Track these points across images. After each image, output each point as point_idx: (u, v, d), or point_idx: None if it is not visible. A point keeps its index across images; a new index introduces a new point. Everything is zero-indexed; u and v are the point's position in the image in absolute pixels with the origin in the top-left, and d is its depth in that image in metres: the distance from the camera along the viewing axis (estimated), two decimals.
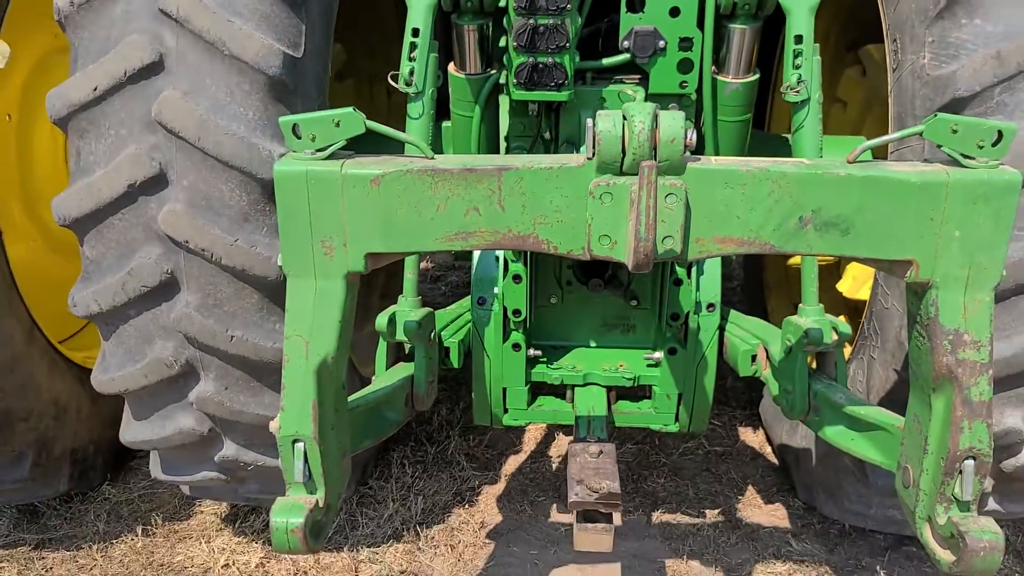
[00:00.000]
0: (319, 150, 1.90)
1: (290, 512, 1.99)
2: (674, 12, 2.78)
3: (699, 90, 2.92)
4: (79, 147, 2.53)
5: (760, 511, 3.77)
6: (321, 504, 2.06)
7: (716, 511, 3.74)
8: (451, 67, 2.99)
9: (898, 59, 2.71)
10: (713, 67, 2.92)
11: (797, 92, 2.60)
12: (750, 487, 3.93)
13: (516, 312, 3.05)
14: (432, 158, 1.96)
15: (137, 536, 3.54)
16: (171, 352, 2.65)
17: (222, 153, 2.42)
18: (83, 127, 2.51)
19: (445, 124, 3.27)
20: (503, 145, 3.23)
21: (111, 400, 3.12)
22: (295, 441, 2.01)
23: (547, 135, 3.03)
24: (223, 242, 2.49)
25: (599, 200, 1.87)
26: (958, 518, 1.97)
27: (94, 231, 2.58)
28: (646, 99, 2.92)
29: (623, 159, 1.83)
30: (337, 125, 1.89)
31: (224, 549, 3.47)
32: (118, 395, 2.85)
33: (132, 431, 2.90)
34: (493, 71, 2.95)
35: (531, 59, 2.71)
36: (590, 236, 1.91)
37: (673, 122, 1.81)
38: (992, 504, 2.91)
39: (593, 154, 1.85)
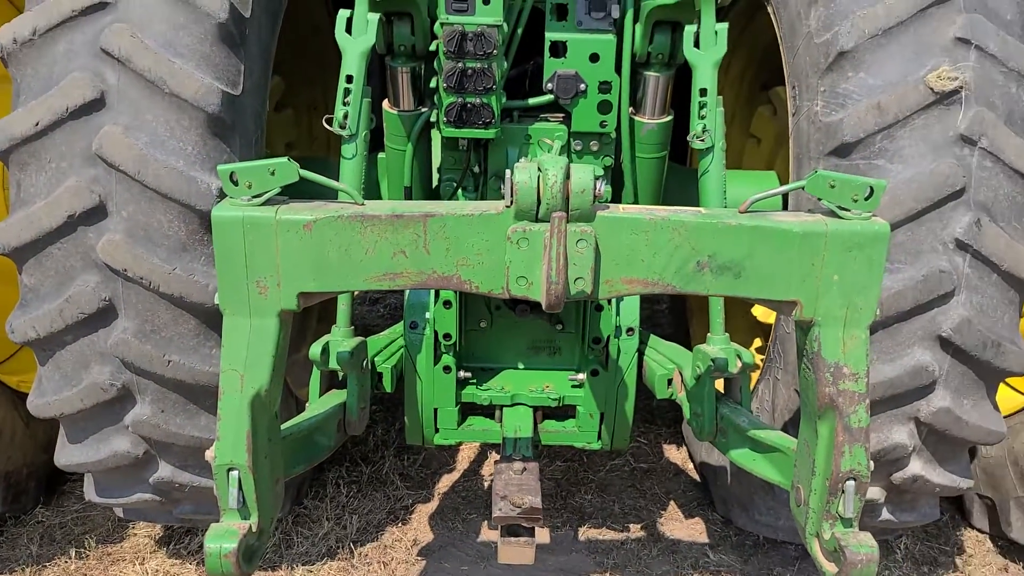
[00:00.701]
0: (255, 196, 2.03)
1: (223, 538, 2.10)
2: (594, 58, 2.98)
3: (618, 129, 3.13)
4: (20, 179, 2.61)
5: (681, 525, 3.97)
6: (254, 529, 2.17)
7: (640, 525, 3.93)
8: (385, 103, 3.15)
9: (796, 104, 2.95)
10: (631, 108, 3.14)
11: (702, 140, 2.81)
12: (672, 502, 4.12)
13: (447, 336, 3.20)
14: (362, 204, 2.10)
15: (70, 559, 3.56)
16: (108, 376, 2.72)
17: (161, 186, 2.53)
18: (24, 160, 2.59)
19: (380, 155, 3.42)
20: (435, 176, 3.40)
21: (44, 424, 3.17)
22: (230, 469, 2.12)
23: (476, 169, 3.20)
24: (161, 270, 2.58)
25: (516, 245, 2.04)
26: (840, 534, 2.17)
27: (33, 260, 2.64)
28: (568, 137, 3.13)
29: (538, 208, 2.01)
30: (272, 174, 2.02)
31: (158, 571, 3.52)
32: (53, 419, 2.91)
33: (67, 454, 2.95)
34: (425, 109, 3.11)
35: (460, 99, 2.88)
36: (508, 277, 2.07)
37: (583, 175, 2.00)
38: (886, 514, 3.14)
39: (511, 202, 2.02)
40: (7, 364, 3.69)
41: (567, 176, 2.00)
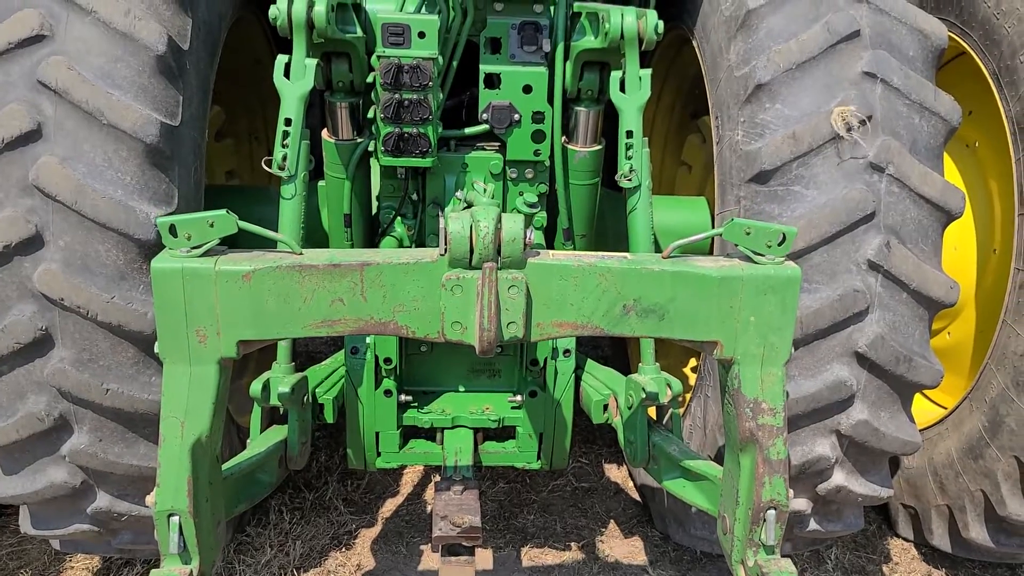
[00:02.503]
0: (195, 248, 2.08)
1: None
2: (527, 89, 3.11)
3: (552, 157, 3.25)
4: None
5: (622, 542, 4.05)
6: (195, 573, 2.20)
7: (581, 544, 4.00)
8: (324, 133, 3.22)
9: (720, 134, 3.10)
10: (564, 137, 3.26)
11: (629, 180, 2.94)
12: (613, 521, 4.21)
13: (387, 360, 3.26)
14: (300, 253, 2.16)
15: None
16: (44, 406, 2.70)
17: (99, 215, 2.55)
18: None
19: (321, 184, 3.47)
20: (374, 204, 3.47)
21: None
22: (170, 515, 2.16)
23: (414, 196, 3.29)
24: (99, 299, 2.59)
25: (451, 291, 2.12)
26: (763, 561, 2.29)
27: None
28: (504, 165, 3.23)
29: (471, 256, 2.10)
30: (211, 226, 2.07)
31: None
32: None
33: (2, 486, 2.91)
34: (363, 139, 3.18)
35: (397, 129, 2.97)
36: (444, 323, 2.15)
37: (514, 224, 2.10)
38: (813, 524, 3.27)
39: (445, 251, 2.11)
40: None
41: (499, 225, 2.09)
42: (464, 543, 2.76)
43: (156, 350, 2.13)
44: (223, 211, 2.08)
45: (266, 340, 2.23)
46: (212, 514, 2.27)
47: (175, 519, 2.16)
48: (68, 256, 2.58)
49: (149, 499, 2.18)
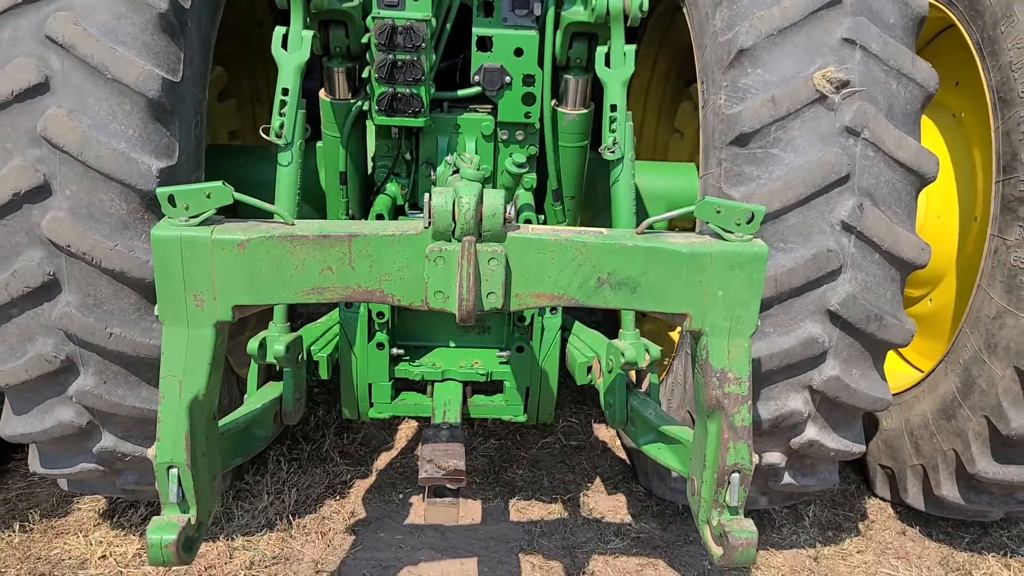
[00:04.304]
0: (192, 217, 2.20)
1: (164, 530, 2.28)
2: (518, 52, 3.20)
3: (541, 119, 3.35)
4: None
5: (607, 497, 4.19)
6: (193, 522, 2.35)
7: (567, 498, 4.14)
8: (322, 92, 3.32)
9: (705, 98, 3.19)
10: (554, 100, 3.36)
11: (613, 152, 3.04)
12: (599, 477, 4.35)
13: (380, 315, 3.39)
14: (292, 224, 2.28)
15: (14, 533, 3.66)
16: (52, 348, 2.85)
17: (103, 166, 2.67)
18: None
19: (319, 144, 3.58)
20: (370, 164, 3.58)
21: None
22: (170, 467, 2.30)
23: (408, 156, 3.40)
24: (103, 247, 2.72)
25: (434, 262, 2.24)
26: (726, 521, 2.43)
27: None
28: (495, 127, 3.34)
29: (454, 229, 2.21)
30: (208, 196, 2.19)
31: (102, 541, 3.64)
32: None
33: (12, 425, 3.07)
34: (359, 99, 3.29)
35: (391, 89, 3.07)
36: (427, 292, 2.27)
37: (495, 200, 2.21)
38: (787, 479, 3.40)
39: (429, 224, 2.22)
40: None
41: (480, 200, 2.21)
42: (448, 485, 2.90)
43: (156, 312, 2.26)
44: (219, 183, 2.21)
45: (260, 305, 2.36)
46: (209, 467, 2.42)
47: (174, 471, 2.30)
48: (74, 204, 2.70)
49: (150, 452, 2.32)
